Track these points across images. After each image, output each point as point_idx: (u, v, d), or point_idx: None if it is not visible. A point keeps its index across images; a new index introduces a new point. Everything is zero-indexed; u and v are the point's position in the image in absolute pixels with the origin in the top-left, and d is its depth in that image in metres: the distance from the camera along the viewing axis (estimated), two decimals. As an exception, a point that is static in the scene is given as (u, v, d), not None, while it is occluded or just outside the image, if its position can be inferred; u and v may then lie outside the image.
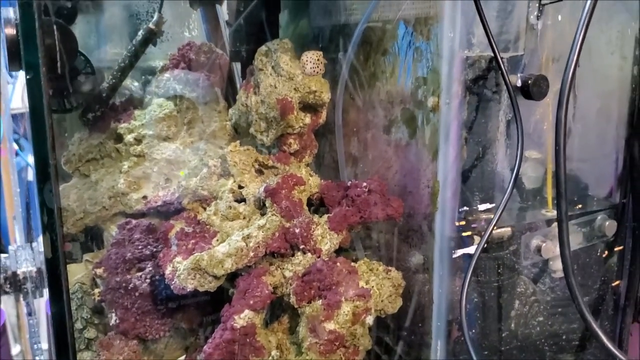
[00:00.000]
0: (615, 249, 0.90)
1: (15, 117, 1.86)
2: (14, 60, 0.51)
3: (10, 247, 1.44)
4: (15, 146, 1.93)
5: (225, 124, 0.94)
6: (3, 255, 1.19)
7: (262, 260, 0.74)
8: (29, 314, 1.36)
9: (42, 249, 1.20)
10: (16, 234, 1.82)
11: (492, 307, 0.83)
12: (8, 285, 1.14)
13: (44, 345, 1.25)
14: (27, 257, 1.18)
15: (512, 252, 0.82)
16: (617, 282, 0.91)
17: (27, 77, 0.48)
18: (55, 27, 0.62)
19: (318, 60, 0.81)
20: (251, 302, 0.69)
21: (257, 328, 0.70)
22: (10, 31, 0.50)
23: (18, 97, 1.84)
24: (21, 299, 1.28)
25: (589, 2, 0.57)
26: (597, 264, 0.89)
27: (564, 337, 0.89)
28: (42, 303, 1.43)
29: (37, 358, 1.11)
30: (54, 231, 0.52)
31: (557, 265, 0.85)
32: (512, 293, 0.84)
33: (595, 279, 0.90)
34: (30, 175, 1.89)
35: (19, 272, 1.14)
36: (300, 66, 0.80)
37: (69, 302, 0.54)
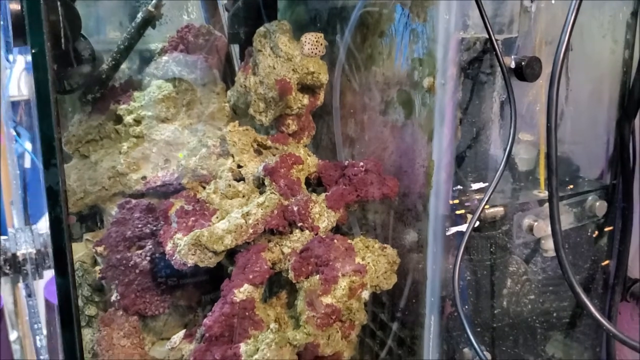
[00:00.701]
0: (606, 229, 0.92)
1: (12, 105, 1.87)
2: (19, 36, 0.52)
3: (9, 230, 1.45)
4: (13, 133, 1.94)
5: (223, 105, 0.95)
6: (3, 237, 1.21)
7: (261, 237, 0.76)
8: (29, 295, 1.38)
9: (42, 231, 1.21)
10: (14, 218, 1.83)
11: (484, 285, 0.85)
12: (8, 267, 1.16)
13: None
14: (26, 240, 1.20)
15: (505, 232, 0.84)
16: (606, 262, 0.94)
17: (33, 51, 0.50)
18: (59, 3, 0.63)
19: (317, 41, 0.82)
20: (250, 276, 0.71)
21: (256, 302, 0.72)
22: (15, 6, 0.51)
23: (14, 85, 1.84)
24: (20, 281, 1.30)
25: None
26: (587, 243, 0.92)
27: (554, 314, 0.92)
28: (40, 285, 1.44)
29: (37, 337, 1.13)
30: (58, 205, 0.53)
31: (548, 244, 0.87)
32: (504, 272, 0.86)
33: (585, 258, 0.92)
34: (28, 162, 1.89)
35: (18, 254, 1.15)
36: (299, 47, 0.81)
37: (73, 276, 0.55)
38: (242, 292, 0.71)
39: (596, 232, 0.92)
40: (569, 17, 0.61)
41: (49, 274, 1.21)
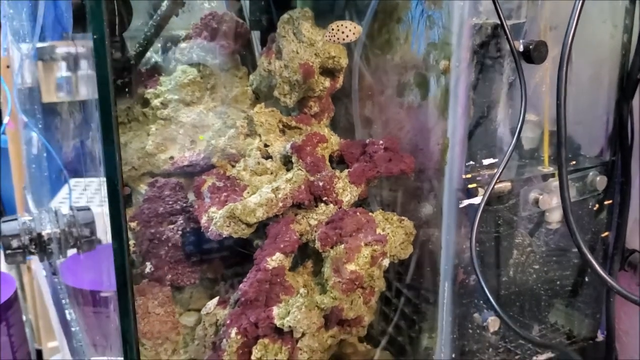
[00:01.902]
0: (605, 202, 0.98)
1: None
2: (78, 23, 0.57)
3: (33, 211, 1.51)
4: (25, 119, 1.98)
5: (246, 89, 1.00)
6: (27, 217, 1.26)
7: (289, 210, 0.82)
8: (53, 273, 1.44)
9: (65, 211, 1.26)
10: (29, 202, 1.88)
11: (492, 256, 0.91)
12: (33, 246, 1.21)
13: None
14: (50, 220, 1.25)
15: (512, 206, 0.90)
16: (606, 233, 1.00)
17: (94, 37, 0.55)
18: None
19: (335, 29, 0.87)
20: (282, 245, 0.77)
21: (286, 269, 0.78)
22: (76, -2, 0.56)
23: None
24: (45, 260, 1.35)
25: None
26: (588, 216, 0.98)
27: (558, 283, 0.98)
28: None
29: (67, 311, 1.19)
30: (115, 175, 0.59)
31: (552, 216, 0.93)
32: (511, 243, 0.93)
33: (586, 230, 0.99)
34: (35, 148, 1.93)
35: (43, 233, 1.21)
36: (322, 33, 0.86)
37: (128, 243, 0.61)
38: (274, 260, 0.77)
39: (597, 206, 0.98)
40: (577, 3, 0.67)
41: (72, 252, 1.26)
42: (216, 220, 0.78)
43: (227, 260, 0.98)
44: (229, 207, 0.78)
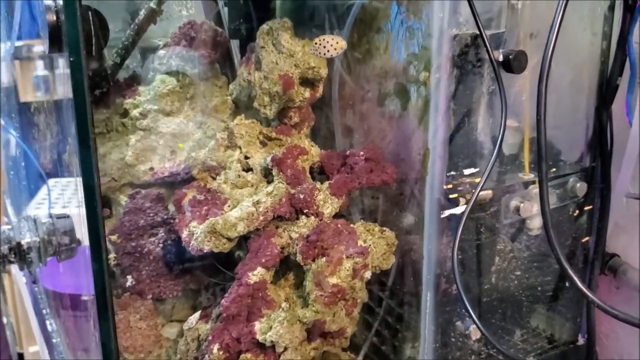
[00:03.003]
0: (585, 208, 0.99)
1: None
2: (55, 44, 0.56)
3: (12, 219, 1.48)
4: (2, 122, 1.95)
5: (226, 98, 0.99)
6: (6, 226, 1.24)
7: (270, 223, 0.81)
8: (34, 282, 1.42)
9: (44, 219, 1.25)
10: (8, 208, 1.85)
11: (474, 263, 0.92)
12: (13, 255, 1.20)
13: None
14: (30, 228, 1.23)
15: (493, 213, 0.90)
16: (586, 239, 1.01)
17: (70, 59, 0.54)
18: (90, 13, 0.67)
19: (317, 44, 0.85)
20: (263, 260, 0.77)
21: (267, 284, 0.78)
22: (51, 17, 0.55)
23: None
24: (25, 269, 1.34)
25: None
26: (569, 222, 0.99)
27: (539, 288, 0.99)
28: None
29: (47, 322, 1.18)
30: (94, 200, 0.58)
31: (533, 223, 0.94)
32: (493, 250, 0.93)
33: (567, 236, 1.00)
34: (13, 150, 1.90)
35: (23, 242, 1.19)
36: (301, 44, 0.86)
37: (107, 262, 0.60)
38: (256, 274, 0.76)
39: (577, 211, 0.99)
40: (556, 17, 0.67)
41: (52, 261, 1.24)
42: (197, 235, 0.77)
43: (209, 271, 0.98)
44: (209, 222, 0.77)
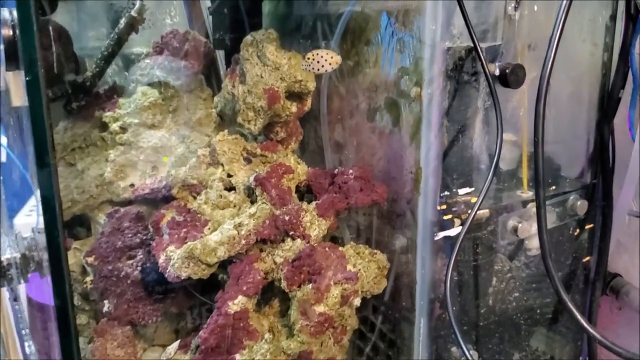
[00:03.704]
0: (586, 226, 0.95)
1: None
2: (12, 61, 0.52)
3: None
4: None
5: (210, 111, 0.95)
6: (-15, 242, 1.19)
7: (253, 246, 0.77)
8: (14, 299, 1.37)
9: (25, 234, 1.20)
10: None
11: (471, 285, 0.87)
12: (-8, 272, 1.15)
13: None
14: (10, 244, 1.18)
15: (490, 233, 0.86)
16: (587, 258, 0.96)
17: (27, 78, 0.50)
18: (51, 27, 0.63)
19: (310, 58, 0.81)
20: (244, 288, 0.72)
21: (249, 312, 0.73)
22: (7, 32, 0.50)
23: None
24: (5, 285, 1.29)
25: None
26: (569, 241, 0.94)
27: (538, 311, 0.95)
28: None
29: (26, 343, 1.13)
30: (54, 222, 0.54)
31: (532, 244, 0.89)
32: (490, 271, 0.89)
33: (567, 255, 0.95)
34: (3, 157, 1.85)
35: (3, 258, 1.14)
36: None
37: (70, 287, 0.56)
38: (237, 303, 0.72)
39: (577, 230, 0.94)
40: (555, 31, 0.62)
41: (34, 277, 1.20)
42: (174, 261, 0.72)
43: (191, 294, 0.93)
44: (187, 247, 0.72)
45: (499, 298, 0.91)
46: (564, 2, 0.61)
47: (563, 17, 0.60)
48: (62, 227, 0.54)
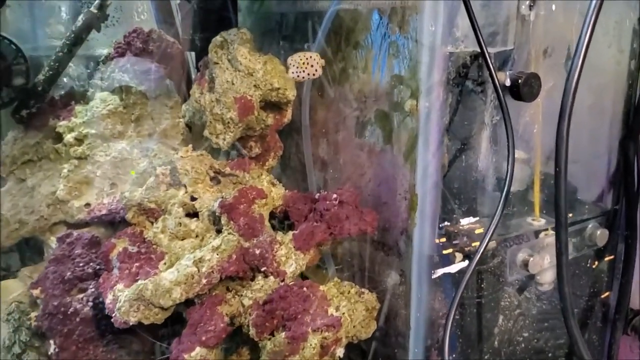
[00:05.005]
0: (606, 258, 0.83)
1: None
2: None
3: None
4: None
5: (178, 121, 0.84)
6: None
7: (218, 285, 0.65)
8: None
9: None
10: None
11: (473, 325, 0.76)
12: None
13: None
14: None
15: (496, 266, 0.75)
16: (607, 293, 0.85)
17: None
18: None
19: (304, 63, 0.70)
20: (203, 338, 0.60)
21: (211, 365, 0.62)
22: None
23: None
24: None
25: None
26: (586, 274, 0.83)
27: (550, 354, 0.83)
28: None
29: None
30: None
31: (544, 278, 0.78)
32: (496, 308, 0.77)
33: (583, 290, 0.84)
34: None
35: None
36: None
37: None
38: (194, 356, 0.60)
39: (596, 262, 0.83)
40: (582, 37, 0.51)
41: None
42: (120, 304, 0.61)
43: (156, 330, 0.81)
44: (136, 287, 0.61)
45: (505, 339, 0.79)
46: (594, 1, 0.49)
47: (593, 18, 0.49)
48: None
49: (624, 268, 0.82)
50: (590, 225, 0.80)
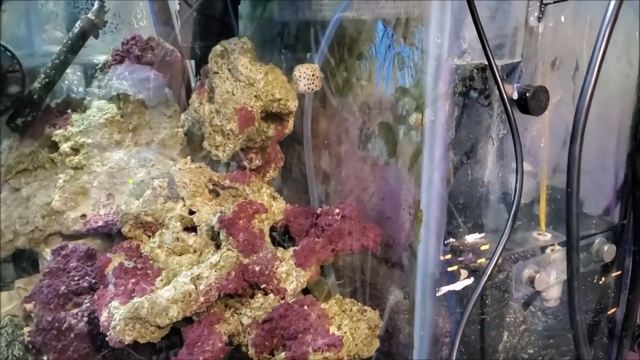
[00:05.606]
0: (613, 274, 0.81)
1: None
2: None
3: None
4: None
5: (176, 131, 0.82)
6: None
7: (216, 303, 0.63)
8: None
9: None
10: None
11: (477, 342, 0.74)
12: None
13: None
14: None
15: (501, 282, 0.73)
16: (613, 310, 0.83)
17: None
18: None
19: (313, 75, 0.69)
20: (201, 358, 0.58)
21: (208, 386, 0.60)
22: None
23: None
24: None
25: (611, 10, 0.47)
26: (592, 290, 0.81)
27: (555, 371, 0.81)
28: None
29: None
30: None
31: (551, 294, 0.76)
32: (501, 324, 0.76)
33: (589, 305, 0.82)
34: None
35: None
36: (292, 83, 0.69)
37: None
38: (191, 377, 0.58)
39: (602, 278, 0.81)
40: (596, 51, 0.49)
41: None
42: (116, 322, 0.59)
43: (151, 347, 0.79)
44: (132, 305, 0.59)
45: (510, 356, 0.78)
46: (610, 11, 0.47)
47: (608, 30, 0.47)
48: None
49: (632, 284, 0.81)
50: (597, 241, 0.78)
